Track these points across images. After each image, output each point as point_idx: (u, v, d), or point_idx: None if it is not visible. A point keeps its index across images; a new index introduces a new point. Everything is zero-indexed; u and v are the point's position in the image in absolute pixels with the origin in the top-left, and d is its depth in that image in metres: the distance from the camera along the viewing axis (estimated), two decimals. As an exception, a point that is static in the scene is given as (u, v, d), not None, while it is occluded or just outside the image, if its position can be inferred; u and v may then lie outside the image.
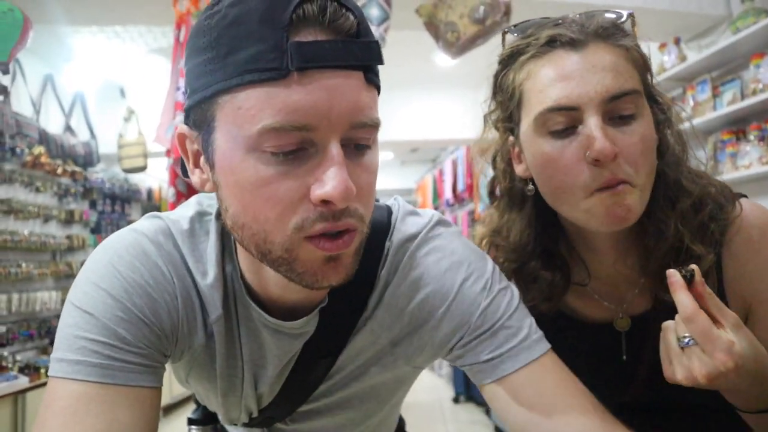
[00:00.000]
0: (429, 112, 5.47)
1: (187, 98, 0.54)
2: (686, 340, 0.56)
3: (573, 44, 0.67)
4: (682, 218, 0.70)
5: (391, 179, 8.92)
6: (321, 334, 0.64)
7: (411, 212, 0.70)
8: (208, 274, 0.60)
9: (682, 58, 3.26)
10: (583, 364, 0.67)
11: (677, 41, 3.32)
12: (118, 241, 0.60)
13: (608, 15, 0.70)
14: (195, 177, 0.57)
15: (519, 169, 0.76)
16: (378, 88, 0.53)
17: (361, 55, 0.49)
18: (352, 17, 0.48)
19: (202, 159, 0.55)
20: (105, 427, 0.50)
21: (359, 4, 2.45)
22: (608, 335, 0.78)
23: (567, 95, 0.65)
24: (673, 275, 0.57)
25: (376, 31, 2.38)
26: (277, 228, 0.50)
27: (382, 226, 0.67)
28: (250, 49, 0.46)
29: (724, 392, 0.61)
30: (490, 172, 0.86)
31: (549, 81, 0.67)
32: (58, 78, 4.18)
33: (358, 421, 0.75)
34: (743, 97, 2.93)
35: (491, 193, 0.86)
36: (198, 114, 0.52)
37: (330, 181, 0.47)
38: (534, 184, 0.75)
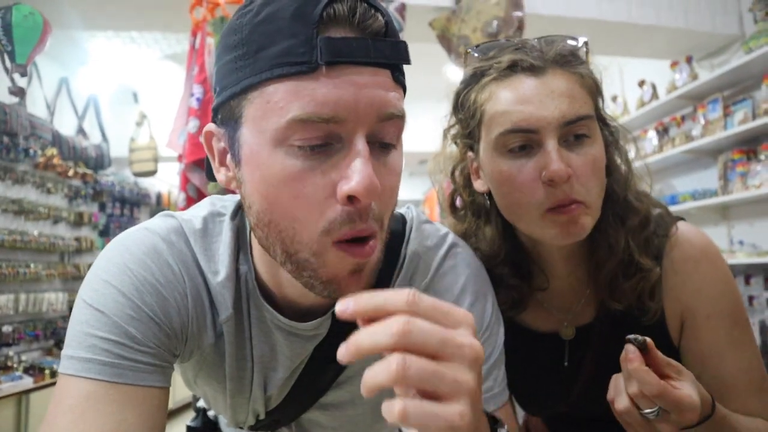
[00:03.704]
0: (439, 124, 5.47)
1: (216, 96, 0.55)
2: (654, 412, 0.60)
3: (533, 70, 0.71)
4: (631, 234, 0.76)
5: (400, 190, 8.90)
6: (332, 337, 0.63)
7: (425, 221, 0.71)
8: (219, 274, 0.60)
9: (694, 77, 3.26)
10: (529, 370, 0.71)
11: (689, 60, 3.32)
12: (130, 238, 0.60)
13: (566, 42, 0.74)
14: (220, 175, 0.57)
15: (477, 185, 0.81)
16: (404, 89, 0.54)
17: (389, 54, 0.49)
18: (381, 18, 0.49)
19: (228, 156, 0.55)
20: (113, 427, 0.50)
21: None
22: (554, 344, 0.83)
23: (526, 118, 0.69)
24: (632, 352, 0.60)
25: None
26: (306, 228, 0.49)
27: (398, 233, 0.68)
28: (281, 45, 0.47)
29: None
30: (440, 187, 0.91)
31: (509, 104, 0.70)
32: (73, 81, 4.23)
33: None
34: (755, 116, 2.92)
35: (452, 205, 0.90)
36: (226, 111, 0.53)
37: (355, 175, 0.47)
38: (491, 199, 0.80)
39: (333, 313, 0.61)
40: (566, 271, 0.81)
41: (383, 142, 0.51)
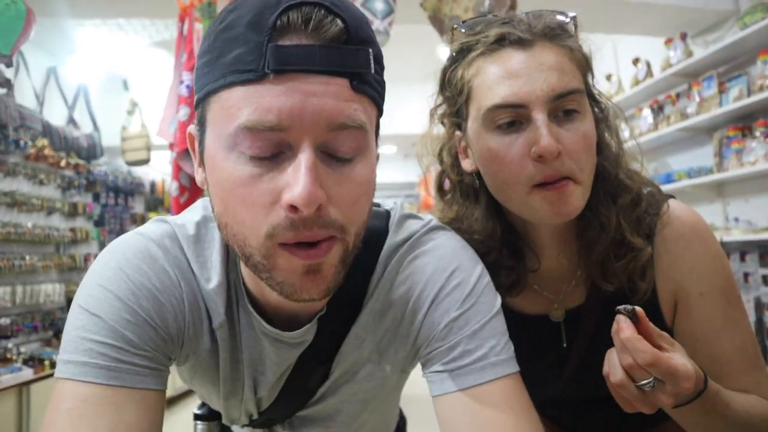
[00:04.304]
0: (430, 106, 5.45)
1: (195, 99, 0.56)
2: (650, 383, 0.59)
3: (521, 43, 0.69)
4: (623, 213, 0.74)
5: (394, 173, 8.91)
6: (318, 341, 0.64)
7: (408, 216, 0.69)
8: (211, 280, 0.61)
9: (689, 54, 3.24)
10: (521, 354, 0.67)
11: (683, 36, 3.30)
12: (125, 244, 0.60)
13: (554, 17, 0.72)
14: (198, 176, 0.58)
15: (465, 164, 0.78)
16: (372, 98, 0.52)
17: (344, 62, 0.48)
18: (340, 24, 0.48)
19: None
20: (110, 429, 0.51)
21: (364, -3, 2.44)
22: (544, 326, 0.81)
23: (514, 93, 0.67)
24: (624, 321, 0.59)
25: (380, 24, 2.36)
26: (253, 232, 0.50)
27: (380, 233, 0.66)
28: (235, 52, 0.48)
29: None
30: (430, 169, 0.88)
31: (497, 78, 0.68)
32: (62, 70, 4.17)
33: (350, 428, 0.75)
34: (750, 93, 2.91)
35: (440, 187, 0.86)
36: (198, 114, 0.54)
37: (296, 186, 0.47)
38: (480, 178, 0.77)
39: (319, 320, 0.62)
40: (556, 252, 0.79)
41: (337, 154, 0.50)
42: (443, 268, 0.64)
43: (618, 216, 0.74)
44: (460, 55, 0.75)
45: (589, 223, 0.75)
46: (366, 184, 0.53)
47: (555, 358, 0.81)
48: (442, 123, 0.83)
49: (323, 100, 0.47)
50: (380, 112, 0.56)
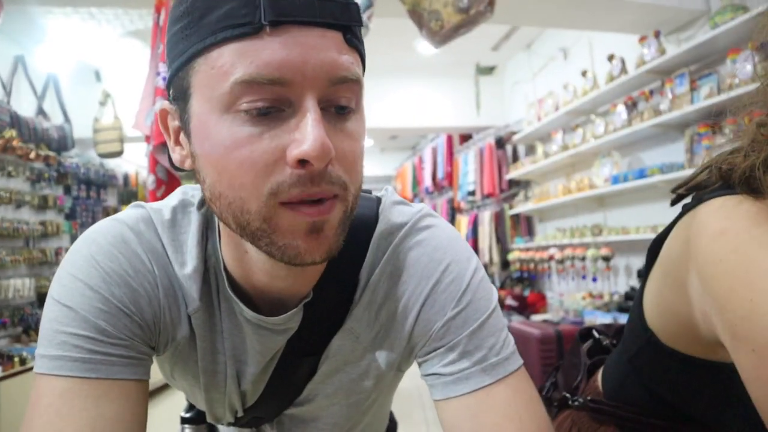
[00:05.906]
0: (409, 99, 5.47)
1: (168, 71, 0.52)
2: None
3: None
4: None
5: (371, 166, 8.91)
6: (305, 331, 0.62)
7: (399, 202, 0.67)
8: (186, 265, 0.58)
9: (662, 52, 3.30)
10: None
11: (657, 34, 3.36)
12: (98, 230, 0.58)
13: None
14: (176, 155, 0.55)
15: None
16: (360, 53, 0.51)
17: (338, 15, 0.47)
18: None
19: (182, 134, 0.53)
20: (90, 423, 0.49)
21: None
22: None
23: None
24: None
25: (358, 17, 2.35)
26: (253, 194, 0.47)
27: (370, 219, 0.64)
28: (224, 8, 0.45)
29: None
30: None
31: None
32: (30, 60, 4.05)
33: (341, 430, 0.73)
34: (720, 91, 2.98)
35: None
36: (176, 85, 0.51)
37: (306, 138, 0.45)
38: None
39: (305, 306, 0.60)
40: None
41: (338, 106, 0.48)
42: (438, 260, 0.61)
43: None
44: None
45: None
46: (362, 140, 0.52)
47: None
48: None
49: (323, 53, 0.46)
50: (364, 69, 0.55)
